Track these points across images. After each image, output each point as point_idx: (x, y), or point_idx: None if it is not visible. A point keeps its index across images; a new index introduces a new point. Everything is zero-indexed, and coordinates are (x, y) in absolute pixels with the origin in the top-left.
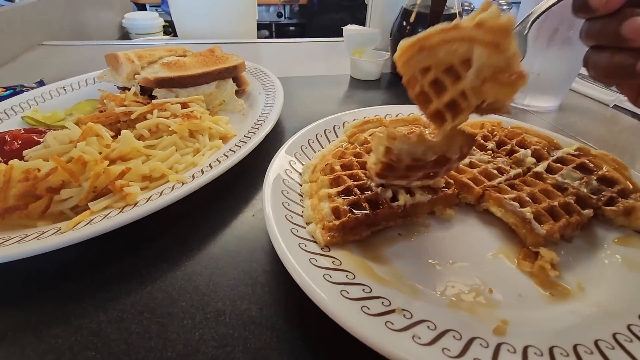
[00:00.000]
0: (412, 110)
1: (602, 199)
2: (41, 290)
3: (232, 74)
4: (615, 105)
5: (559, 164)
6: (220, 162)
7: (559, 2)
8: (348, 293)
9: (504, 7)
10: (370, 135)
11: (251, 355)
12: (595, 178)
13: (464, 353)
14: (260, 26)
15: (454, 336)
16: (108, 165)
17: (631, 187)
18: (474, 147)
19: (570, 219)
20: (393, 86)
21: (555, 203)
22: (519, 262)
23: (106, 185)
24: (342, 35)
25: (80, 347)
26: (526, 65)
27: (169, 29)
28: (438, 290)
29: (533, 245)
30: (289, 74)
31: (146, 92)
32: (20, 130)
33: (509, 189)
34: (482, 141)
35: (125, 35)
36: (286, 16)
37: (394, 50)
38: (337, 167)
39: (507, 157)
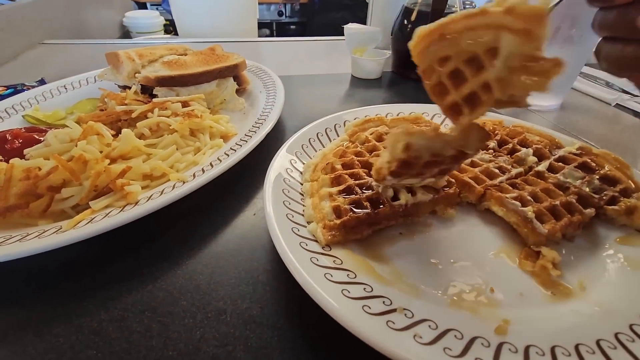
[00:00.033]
0: (413, 109)
1: (604, 198)
2: (42, 288)
3: (233, 72)
4: (617, 104)
5: (560, 163)
6: (221, 161)
7: None
8: (349, 292)
9: None
10: (371, 134)
11: (252, 355)
12: (597, 177)
13: (465, 352)
14: (261, 25)
15: (455, 336)
16: (109, 164)
17: (633, 186)
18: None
19: (572, 218)
20: (394, 85)
21: (557, 202)
22: (520, 262)
23: (107, 184)
24: (343, 34)
25: (81, 346)
26: None
27: (170, 28)
28: (439, 289)
29: (535, 245)
30: (290, 73)
31: (147, 90)
32: (21, 129)
33: (510, 188)
34: None
35: (126, 33)
36: (287, 15)
37: (395, 49)
38: (338, 166)
39: (509, 156)
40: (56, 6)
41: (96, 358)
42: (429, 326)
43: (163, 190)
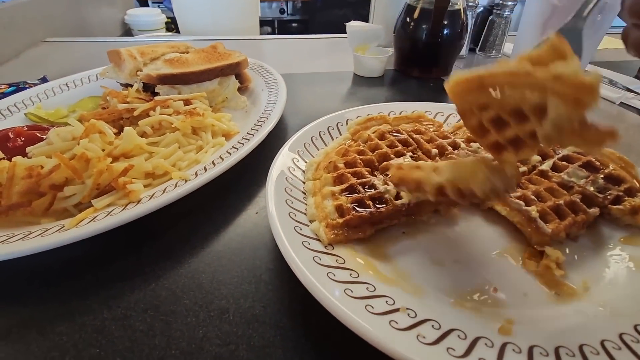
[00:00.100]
0: (415, 107)
1: (609, 197)
2: (45, 287)
3: (235, 70)
4: (621, 102)
5: (564, 162)
6: (223, 159)
7: None
8: (352, 292)
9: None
10: (374, 133)
11: (255, 353)
12: (601, 176)
13: (469, 353)
14: (263, 22)
15: (458, 335)
16: (111, 163)
17: (638, 185)
18: (479, 146)
19: (576, 217)
20: (397, 83)
21: (561, 202)
22: (524, 261)
23: (109, 183)
24: (345, 32)
25: (84, 344)
26: None
27: (172, 25)
28: (442, 289)
29: (538, 244)
30: (292, 71)
31: (149, 88)
32: (23, 127)
33: None
34: None
35: (127, 31)
36: (289, 12)
37: (397, 47)
38: (341, 165)
39: None
40: (58, 4)
41: (99, 356)
42: (432, 326)
43: (165, 188)
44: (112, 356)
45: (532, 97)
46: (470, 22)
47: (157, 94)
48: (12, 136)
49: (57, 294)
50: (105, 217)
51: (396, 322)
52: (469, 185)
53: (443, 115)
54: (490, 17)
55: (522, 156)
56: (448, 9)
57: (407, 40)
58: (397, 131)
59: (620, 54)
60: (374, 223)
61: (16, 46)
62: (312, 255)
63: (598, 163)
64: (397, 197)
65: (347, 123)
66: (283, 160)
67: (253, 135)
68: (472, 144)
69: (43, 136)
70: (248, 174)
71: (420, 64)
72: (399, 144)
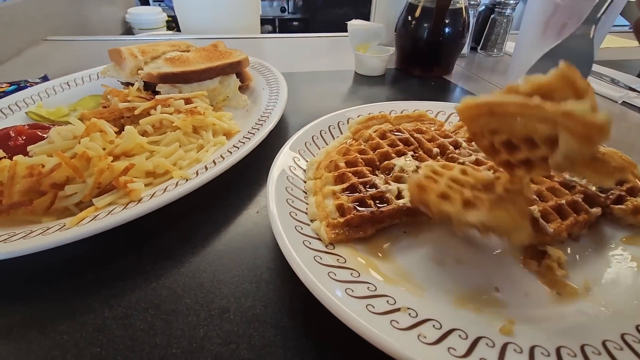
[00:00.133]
0: (417, 106)
1: (611, 197)
2: (46, 286)
3: (236, 69)
4: (623, 101)
5: None
6: (224, 158)
7: None
8: (353, 291)
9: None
10: (375, 132)
11: (256, 353)
12: None
13: (470, 352)
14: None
15: (459, 335)
16: (112, 162)
17: None
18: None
19: (578, 217)
20: (398, 82)
21: (563, 201)
22: (525, 261)
23: (110, 182)
24: (346, 30)
25: (85, 343)
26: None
27: (172, 24)
28: (443, 288)
29: (540, 244)
30: (293, 70)
31: (150, 87)
32: (24, 125)
33: None
34: None
35: (128, 30)
36: (290, 11)
37: (399, 46)
38: (342, 164)
39: None
40: (59, 2)
41: (100, 355)
42: (433, 326)
43: (166, 187)
44: (113, 355)
45: (542, 129)
46: (472, 21)
47: (158, 92)
48: (13, 135)
49: (58, 292)
50: (106, 216)
51: (397, 322)
52: (506, 235)
53: (444, 114)
54: (492, 16)
55: (534, 174)
56: (449, 7)
57: (409, 38)
58: (399, 130)
59: (622, 52)
60: (375, 222)
61: (17, 45)
62: (313, 254)
63: None
64: (399, 196)
65: (348, 122)
66: (284, 159)
67: (254, 134)
68: (473, 143)
69: (44, 135)
70: (249, 173)
71: (421, 62)
72: (400, 143)
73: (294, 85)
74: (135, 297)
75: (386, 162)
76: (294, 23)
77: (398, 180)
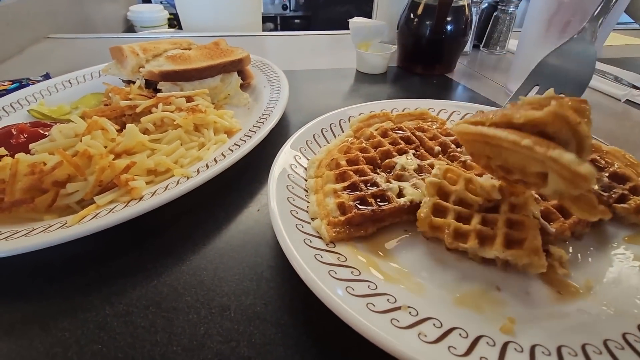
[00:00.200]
0: (419, 105)
1: (613, 196)
2: (48, 283)
3: (237, 67)
4: (627, 99)
5: None
6: (225, 156)
7: None
8: (353, 290)
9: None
10: (376, 130)
11: (256, 351)
12: (606, 175)
13: (470, 351)
14: (265, 19)
15: (460, 334)
16: (113, 159)
17: None
18: None
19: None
20: (400, 80)
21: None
22: None
23: (111, 179)
24: (348, 28)
25: (86, 340)
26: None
27: (174, 22)
28: (444, 287)
29: (542, 243)
30: (294, 68)
31: (151, 85)
32: (26, 123)
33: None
34: None
35: (130, 28)
36: (291, 9)
37: (401, 43)
38: (343, 162)
39: None
40: (61, 0)
41: (101, 352)
42: (434, 324)
43: (167, 185)
44: (113, 352)
45: (534, 165)
46: (475, 18)
47: (159, 90)
48: (15, 133)
49: (60, 290)
50: (107, 214)
51: (397, 321)
52: (522, 268)
53: (446, 112)
54: (495, 13)
55: (532, 190)
56: (452, 4)
57: (411, 36)
58: (400, 128)
59: (626, 50)
60: (376, 221)
61: (19, 43)
62: (313, 252)
63: (603, 162)
64: (400, 195)
65: (349, 120)
66: (285, 158)
67: (255, 132)
68: None
69: (46, 133)
70: (250, 171)
71: (423, 60)
72: (401, 142)
73: (296, 83)
74: (136, 295)
75: (387, 160)
76: (296, 21)
77: (399, 178)
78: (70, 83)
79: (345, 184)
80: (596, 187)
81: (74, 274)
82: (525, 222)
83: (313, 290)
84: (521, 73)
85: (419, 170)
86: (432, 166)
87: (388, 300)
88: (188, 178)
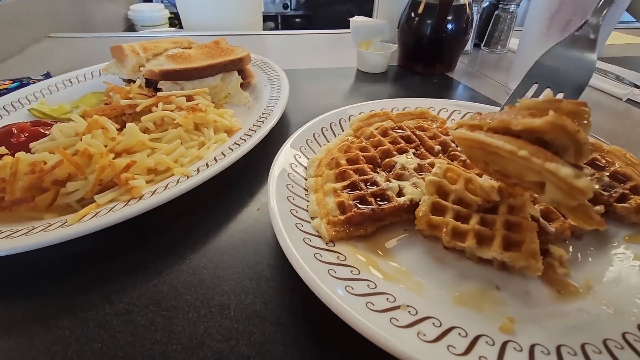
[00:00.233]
0: (419, 104)
1: (614, 195)
2: (48, 282)
3: (238, 66)
4: (628, 99)
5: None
6: (225, 155)
7: None
8: (353, 289)
9: None
10: (377, 129)
11: (255, 349)
12: (607, 174)
13: (470, 350)
14: (266, 18)
15: (459, 333)
16: (113, 158)
17: None
18: None
19: None
20: (400, 79)
21: None
22: None
23: (112, 178)
24: (348, 27)
25: (86, 339)
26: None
27: (175, 21)
28: (444, 286)
29: (542, 243)
30: (295, 67)
31: (151, 84)
32: (27, 122)
33: None
34: None
35: (131, 27)
36: (292, 7)
37: (401, 42)
38: (343, 162)
39: None
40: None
41: (101, 351)
42: (433, 324)
43: (167, 184)
44: (113, 350)
45: (531, 175)
46: (476, 17)
47: (159, 89)
48: (15, 132)
49: (60, 288)
50: (107, 213)
51: (397, 320)
52: (519, 269)
53: (447, 111)
54: (496, 12)
55: (530, 192)
56: (453, 3)
57: (411, 35)
58: (400, 128)
59: (627, 49)
60: (375, 220)
61: (20, 42)
62: (313, 252)
63: (604, 161)
64: (400, 194)
65: (349, 119)
66: (285, 157)
67: (255, 131)
68: None
69: (46, 132)
70: (250, 171)
71: (424, 59)
72: (401, 141)
73: (296, 82)
74: (136, 294)
75: (387, 159)
76: (297, 20)
77: (399, 177)
78: (71, 82)
79: (345, 183)
80: (597, 186)
81: (74, 273)
82: (523, 224)
83: (312, 289)
84: (522, 72)
85: (419, 169)
86: (432, 165)
87: (387, 299)
88: (188, 177)
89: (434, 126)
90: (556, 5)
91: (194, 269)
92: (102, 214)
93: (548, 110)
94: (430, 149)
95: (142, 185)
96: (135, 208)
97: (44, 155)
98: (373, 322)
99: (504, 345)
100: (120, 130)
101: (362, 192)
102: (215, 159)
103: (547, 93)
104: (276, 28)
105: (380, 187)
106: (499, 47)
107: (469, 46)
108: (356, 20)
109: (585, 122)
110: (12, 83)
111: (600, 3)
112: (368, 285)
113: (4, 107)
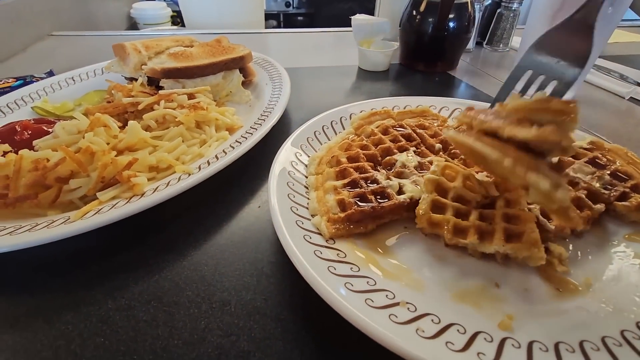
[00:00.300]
0: (420, 102)
1: (615, 194)
2: (51, 278)
3: (239, 64)
4: (631, 97)
5: (570, 158)
6: (226, 153)
7: None
8: (352, 285)
9: None
10: (377, 127)
11: (256, 345)
12: (608, 172)
13: (468, 347)
14: (268, 16)
15: (458, 330)
16: (115, 156)
17: None
18: None
19: (581, 214)
20: (402, 77)
21: None
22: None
23: (114, 176)
24: (350, 25)
25: (89, 334)
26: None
27: (177, 19)
28: (443, 283)
29: (542, 240)
30: (296, 65)
31: (153, 82)
32: (30, 120)
33: None
34: None
35: (133, 25)
36: (294, 6)
37: (403, 41)
38: (343, 160)
39: None
40: None
41: (104, 345)
42: (432, 320)
43: (169, 182)
44: (116, 345)
45: (516, 178)
46: (478, 15)
47: (161, 87)
48: (19, 129)
49: (63, 284)
50: (109, 210)
51: (396, 316)
52: (522, 261)
53: (448, 109)
54: (498, 10)
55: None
56: (455, 1)
57: (413, 33)
58: (401, 126)
59: (631, 47)
60: (375, 218)
61: (23, 40)
62: (313, 249)
63: (605, 159)
64: (400, 192)
65: (350, 117)
66: (286, 155)
67: (256, 129)
68: None
69: (49, 129)
70: (251, 168)
71: (425, 58)
72: (402, 139)
73: (297, 80)
74: (138, 289)
75: (388, 157)
76: (299, 18)
77: (399, 175)
78: (74, 80)
79: (346, 181)
80: (597, 185)
81: (77, 269)
82: (522, 215)
83: (312, 285)
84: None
85: (420, 167)
86: (432, 163)
87: (387, 296)
88: (189, 175)
89: (435, 124)
90: (559, 3)
91: (195, 265)
92: (105, 211)
93: (538, 112)
94: (430, 147)
95: (143, 183)
96: (137, 205)
97: (47, 152)
98: (372, 318)
99: (502, 342)
100: (122, 128)
101: (363, 189)
102: (216, 156)
103: (537, 95)
104: (278, 26)
105: (380, 185)
106: (501, 45)
107: (471, 44)
108: (358, 18)
109: (573, 119)
110: (16, 81)
111: None
112: (367, 282)
113: (7, 105)
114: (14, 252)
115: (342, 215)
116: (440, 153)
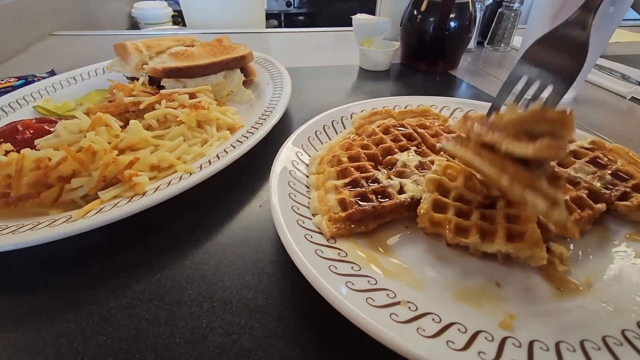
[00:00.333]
0: (421, 102)
1: (616, 193)
2: (54, 276)
3: (240, 64)
4: (632, 97)
5: (572, 158)
6: (227, 152)
7: None
8: (353, 285)
9: None
10: (378, 127)
11: (257, 343)
12: (609, 172)
13: (469, 346)
14: (269, 16)
15: (458, 329)
16: (117, 155)
17: None
18: None
19: (582, 213)
20: (402, 77)
21: (567, 197)
22: None
23: (115, 175)
24: (351, 25)
25: (91, 332)
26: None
27: (178, 19)
28: (444, 283)
29: (543, 240)
30: (297, 65)
31: (154, 82)
32: (32, 119)
33: None
34: None
35: (134, 24)
36: (295, 5)
37: (404, 40)
38: (344, 159)
39: None
40: None
41: (105, 344)
42: (433, 319)
43: (170, 181)
44: (117, 343)
45: (514, 196)
46: (479, 15)
47: (162, 87)
48: (21, 129)
49: (65, 283)
50: (111, 209)
51: (397, 315)
52: (524, 261)
53: (449, 109)
54: (500, 10)
55: None
56: (456, 1)
57: (414, 33)
58: (402, 125)
59: (632, 47)
60: (376, 217)
61: (25, 40)
62: (314, 248)
63: (606, 159)
64: (401, 191)
65: (351, 117)
66: (287, 154)
67: (257, 128)
68: None
69: (51, 129)
70: (252, 168)
71: (426, 57)
72: (403, 138)
73: (298, 80)
74: (139, 288)
75: (389, 157)
76: (300, 17)
77: (400, 175)
78: (75, 80)
79: (347, 180)
80: (598, 184)
81: (79, 268)
82: (523, 215)
83: (313, 285)
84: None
85: (420, 166)
86: (433, 163)
87: (388, 295)
88: (191, 174)
89: (436, 124)
90: (560, 2)
91: (197, 264)
92: (106, 210)
93: (534, 123)
94: (431, 147)
95: (145, 182)
96: (138, 204)
97: (49, 151)
98: (373, 317)
99: (503, 341)
100: (123, 127)
101: (363, 189)
102: (217, 156)
103: (533, 108)
104: (279, 26)
105: (381, 185)
106: (502, 45)
107: (472, 44)
108: (359, 18)
109: (569, 128)
110: (17, 80)
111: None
112: (368, 281)
113: (9, 104)
114: (17, 251)
115: (343, 214)
116: (441, 153)
